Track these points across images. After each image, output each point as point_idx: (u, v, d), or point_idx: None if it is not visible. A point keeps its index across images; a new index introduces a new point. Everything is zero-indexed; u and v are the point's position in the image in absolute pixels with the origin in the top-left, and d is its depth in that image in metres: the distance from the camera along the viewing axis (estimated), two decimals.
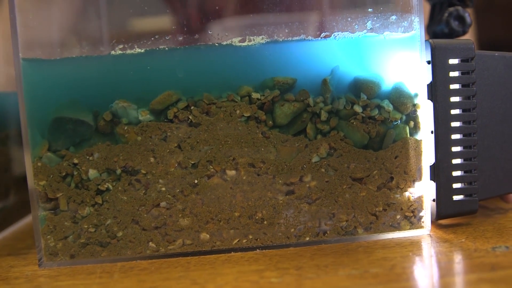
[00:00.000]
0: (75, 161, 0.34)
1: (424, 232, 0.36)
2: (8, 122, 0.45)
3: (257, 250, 0.35)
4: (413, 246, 0.34)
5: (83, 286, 0.31)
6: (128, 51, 0.34)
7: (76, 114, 0.34)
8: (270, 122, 0.35)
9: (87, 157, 0.34)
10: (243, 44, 0.34)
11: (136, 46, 0.34)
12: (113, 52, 0.34)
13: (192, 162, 0.34)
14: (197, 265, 0.33)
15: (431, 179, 0.36)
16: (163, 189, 0.34)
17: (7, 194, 0.44)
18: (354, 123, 0.35)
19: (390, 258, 0.32)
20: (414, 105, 0.35)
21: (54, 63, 0.34)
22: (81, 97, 0.34)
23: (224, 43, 0.34)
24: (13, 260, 0.37)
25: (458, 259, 0.31)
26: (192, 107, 0.34)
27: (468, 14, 0.40)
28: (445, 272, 0.30)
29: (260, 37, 0.34)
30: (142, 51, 0.34)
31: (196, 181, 0.34)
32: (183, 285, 0.30)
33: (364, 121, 0.35)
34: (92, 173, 0.34)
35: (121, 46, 0.34)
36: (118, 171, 0.34)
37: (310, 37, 0.35)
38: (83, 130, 0.34)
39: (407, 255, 0.33)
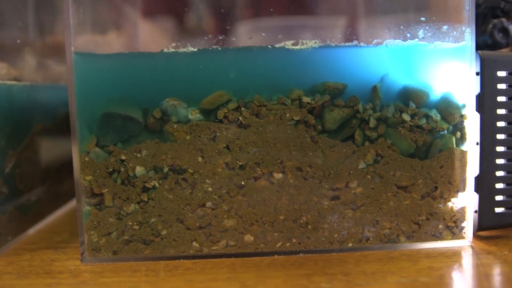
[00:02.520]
0: (123, 157, 0.34)
1: (465, 243, 0.36)
2: (44, 115, 0.45)
3: (300, 254, 0.35)
4: (457, 256, 0.34)
5: (130, 284, 0.31)
6: (181, 49, 0.34)
7: (125, 110, 0.34)
8: (319, 126, 0.35)
9: (135, 154, 0.34)
10: (295, 47, 0.34)
11: (189, 45, 0.34)
12: (165, 50, 0.34)
13: (240, 164, 0.34)
14: (243, 267, 0.33)
15: (474, 191, 0.36)
16: (210, 189, 0.34)
17: (42, 186, 0.44)
18: (402, 131, 0.35)
19: (437, 267, 0.32)
20: (462, 116, 0.35)
21: (106, 58, 0.34)
22: (131, 93, 0.34)
23: (277, 45, 0.34)
24: (53, 254, 0.37)
25: (505, 271, 0.32)
26: (242, 108, 0.34)
27: None
28: (494, 284, 0.30)
29: (313, 41, 0.34)
30: (195, 50, 0.34)
31: (243, 183, 0.34)
32: (233, 287, 0.30)
33: (412, 130, 0.35)
34: (139, 170, 0.34)
35: (174, 44, 0.34)
36: (166, 170, 0.34)
37: (362, 43, 0.35)
38: (132, 126, 0.34)
39: (452, 265, 0.33)
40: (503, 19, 0.41)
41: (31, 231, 0.42)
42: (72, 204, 0.51)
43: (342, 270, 0.32)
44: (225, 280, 0.31)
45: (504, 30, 0.41)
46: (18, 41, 0.42)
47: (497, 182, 0.36)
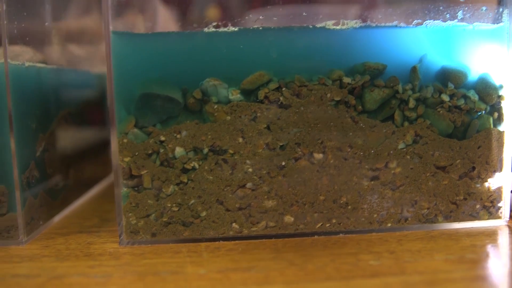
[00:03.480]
0: (162, 138, 0.34)
1: (501, 222, 0.36)
2: (69, 99, 0.44)
3: (340, 234, 0.35)
4: (496, 235, 0.34)
5: (175, 264, 0.31)
6: (222, 29, 0.33)
7: (164, 91, 0.33)
8: (360, 107, 0.34)
9: (175, 135, 0.34)
10: (336, 27, 0.34)
11: (230, 24, 0.33)
12: (206, 30, 0.33)
13: (281, 144, 0.34)
14: (285, 247, 0.33)
15: (511, 171, 0.36)
16: (250, 170, 0.34)
17: (68, 172, 0.43)
18: (441, 111, 0.35)
19: (480, 245, 0.32)
20: (499, 97, 0.36)
21: (144, 38, 0.34)
22: (170, 73, 0.34)
23: (318, 25, 0.34)
24: (88, 237, 0.36)
25: None
26: (283, 89, 0.34)
27: None
28: None
29: (354, 21, 0.34)
30: (236, 29, 0.33)
31: (283, 163, 0.34)
32: (281, 266, 0.30)
33: (450, 110, 0.35)
34: (179, 151, 0.34)
35: (214, 24, 0.33)
36: (205, 150, 0.34)
37: (402, 24, 0.35)
38: (172, 107, 0.34)
39: (495, 243, 0.33)
40: None
41: (58, 217, 0.41)
42: (94, 190, 0.51)
43: (386, 248, 0.32)
44: (271, 259, 0.31)
45: None
46: (46, 23, 0.41)
47: None
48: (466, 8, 0.35)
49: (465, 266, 0.29)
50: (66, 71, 0.45)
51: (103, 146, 0.53)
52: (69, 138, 0.44)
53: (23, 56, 0.38)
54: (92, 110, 0.50)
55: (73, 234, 0.37)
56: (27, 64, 0.37)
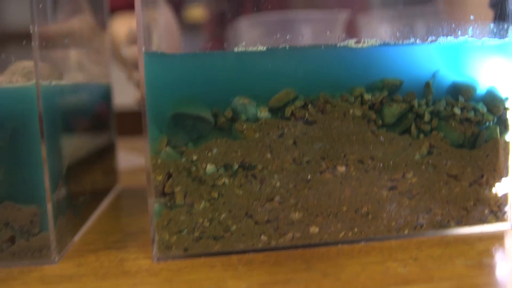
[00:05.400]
0: (194, 157, 0.35)
1: (507, 226, 0.39)
2: (84, 113, 0.45)
3: (362, 242, 0.37)
4: (505, 238, 0.37)
5: (215, 279, 0.32)
6: (250, 49, 0.35)
7: (196, 110, 0.34)
8: (379, 121, 0.36)
9: (206, 153, 0.35)
10: (358, 46, 0.36)
11: (258, 44, 0.35)
12: (236, 49, 0.34)
13: (307, 159, 0.36)
14: (314, 257, 0.35)
15: None
16: (278, 184, 0.36)
17: (86, 186, 0.44)
18: (453, 123, 0.37)
19: (495, 249, 0.35)
20: (505, 108, 0.38)
21: (176, 58, 0.34)
22: (200, 93, 0.35)
23: (341, 44, 0.35)
24: (117, 253, 0.37)
25: None
26: (308, 106, 0.35)
27: None
28: None
29: (374, 39, 0.36)
30: (264, 49, 0.35)
31: (309, 177, 0.36)
32: (316, 277, 0.32)
33: (461, 122, 0.38)
34: (210, 168, 0.35)
35: (243, 43, 0.34)
36: (235, 167, 0.35)
37: (418, 41, 0.37)
38: (203, 126, 0.35)
39: (509, 247, 0.36)
40: None
41: (81, 232, 0.42)
42: (105, 203, 0.51)
43: (409, 255, 0.34)
44: (304, 270, 0.33)
45: None
46: (65, 41, 0.41)
47: None
48: (476, 25, 0.37)
49: (485, 271, 0.32)
50: (81, 85, 0.45)
51: (107, 152, 0.53)
52: (84, 149, 0.44)
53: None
54: (100, 123, 0.51)
55: (102, 251, 0.38)
56: (53, 83, 0.37)
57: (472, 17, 0.37)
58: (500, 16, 0.38)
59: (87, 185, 0.45)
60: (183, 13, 0.61)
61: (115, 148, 0.58)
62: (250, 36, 0.60)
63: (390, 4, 0.37)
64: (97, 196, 0.48)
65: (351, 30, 0.36)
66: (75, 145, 0.41)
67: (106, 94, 0.53)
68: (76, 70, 0.46)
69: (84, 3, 0.52)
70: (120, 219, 0.46)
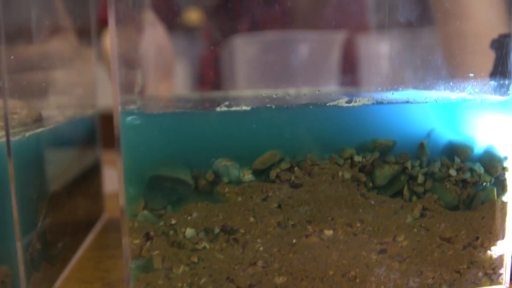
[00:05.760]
0: (173, 221, 0.33)
1: None
2: (64, 155, 0.43)
3: None
4: None
5: None
6: (234, 108, 0.33)
7: (175, 172, 0.33)
8: (370, 184, 0.35)
9: (185, 217, 0.33)
10: (349, 105, 0.34)
11: (242, 103, 0.33)
12: (218, 109, 0.33)
13: (292, 223, 0.34)
14: None
15: None
16: (261, 248, 0.34)
17: (66, 232, 0.42)
18: (448, 185, 0.35)
19: None
20: (504, 168, 0.36)
21: (154, 118, 0.33)
22: (180, 154, 0.33)
23: (331, 103, 0.33)
24: None
25: None
26: (295, 168, 0.34)
27: None
28: None
29: (366, 98, 0.34)
30: (248, 108, 0.33)
31: (294, 241, 0.34)
32: None
33: (457, 184, 0.36)
34: (190, 232, 0.33)
35: (226, 103, 0.33)
36: (216, 230, 0.33)
37: (413, 100, 0.34)
38: (182, 189, 0.33)
39: None
40: None
41: (58, 282, 0.41)
42: (89, 239, 0.50)
43: None
44: None
45: None
46: (43, 84, 0.39)
47: None
48: (475, 83, 0.35)
49: None
50: (64, 125, 0.43)
51: (92, 178, 0.51)
52: (64, 186, 0.43)
53: (19, 114, 0.36)
54: (83, 150, 0.48)
55: None
56: (27, 134, 0.35)
57: (471, 75, 0.35)
58: (501, 61, 0.36)
59: (67, 227, 0.43)
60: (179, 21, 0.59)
61: (101, 171, 0.56)
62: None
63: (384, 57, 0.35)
64: (79, 235, 0.47)
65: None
66: (53, 191, 0.40)
67: (91, 127, 0.51)
68: (56, 106, 0.44)
69: (66, 20, 0.49)
70: (102, 262, 0.44)
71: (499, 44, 0.37)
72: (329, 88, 0.52)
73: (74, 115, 0.48)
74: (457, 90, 0.35)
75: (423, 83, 0.37)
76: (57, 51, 0.46)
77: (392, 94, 0.34)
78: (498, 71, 0.36)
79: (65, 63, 0.48)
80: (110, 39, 0.31)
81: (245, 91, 0.60)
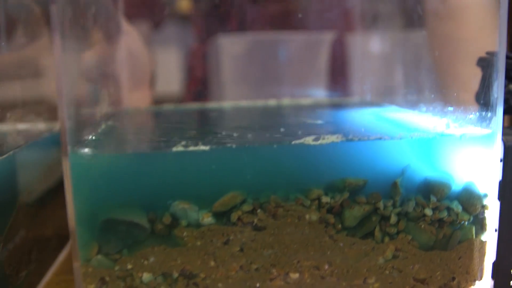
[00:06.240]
0: (129, 266, 0.31)
1: None
2: (26, 182, 0.41)
3: None
4: None
5: None
6: (191, 148, 0.31)
7: (129, 215, 0.31)
8: (339, 225, 0.33)
9: (142, 261, 0.31)
10: (316, 143, 0.31)
11: (200, 143, 0.31)
12: (174, 149, 0.30)
13: (255, 266, 0.32)
14: None
15: (491, 277, 0.36)
16: None
17: (29, 261, 0.41)
18: (423, 225, 0.33)
19: None
20: (483, 206, 0.34)
21: (106, 159, 0.31)
22: (136, 196, 0.31)
23: (296, 142, 0.31)
24: None
25: None
26: (258, 210, 0.32)
27: None
28: None
29: (335, 135, 0.32)
30: (207, 148, 0.31)
31: (257, 285, 0.32)
32: None
33: (432, 223, 0.34)
34: (147, 277, 0.32)
35: (183, 143, 0.30)
36: (175, 275, 0.32)
37: (386, 137, 0.32)
38: (137, 232, 0.31)
39: None
40: None
41: None
42: (61, 258, 0.48)
43: None
44: None
45: None
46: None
47: None
48: (454, 117, 0.33)
49: None
50: (23, 153, 0.41)
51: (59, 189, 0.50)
52: (28, 225, 0.41)
53: None
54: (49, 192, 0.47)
55: None
56: None
57: (451, 108, 0.33)
58: (486, 82, 0.34)
59: (32, 253, 0.42)
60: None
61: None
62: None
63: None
64: (48, 258, 0.46)
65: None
66: (13, 225, 0.38)
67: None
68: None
69: (42, 26, 0.47)
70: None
71: (485, 63, 0.35)
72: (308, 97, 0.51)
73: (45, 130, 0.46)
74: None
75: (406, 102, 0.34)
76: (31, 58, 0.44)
77: (363, 130, 0.32)
78: (482, 93, 0.34)
79: (39, 71, 0.46)
80: (55, 60, 0.29)
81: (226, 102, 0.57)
